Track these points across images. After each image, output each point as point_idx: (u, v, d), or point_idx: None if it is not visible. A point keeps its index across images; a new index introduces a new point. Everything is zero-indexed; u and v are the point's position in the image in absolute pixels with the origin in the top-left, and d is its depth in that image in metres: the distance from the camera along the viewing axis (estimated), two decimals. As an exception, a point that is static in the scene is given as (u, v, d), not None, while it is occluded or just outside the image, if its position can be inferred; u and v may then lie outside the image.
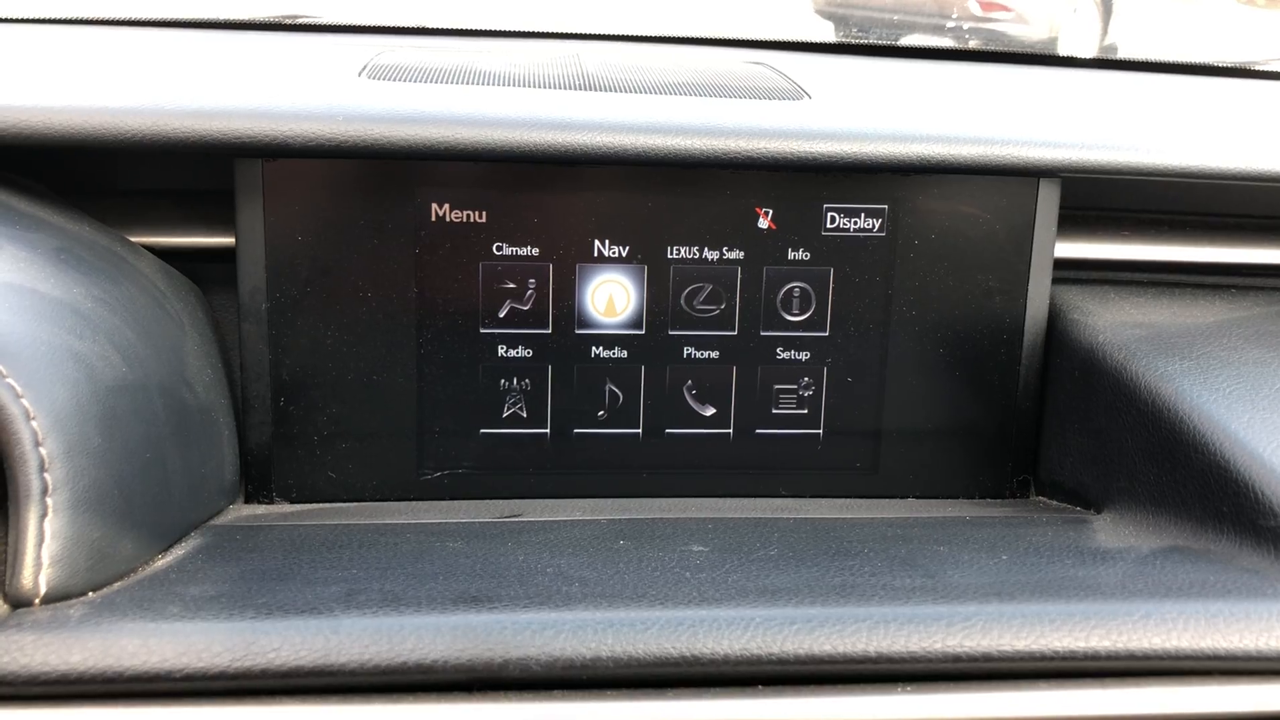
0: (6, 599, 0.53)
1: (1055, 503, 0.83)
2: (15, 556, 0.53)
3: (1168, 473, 0.71)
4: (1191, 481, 0.69)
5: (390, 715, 0.50)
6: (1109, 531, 0.71)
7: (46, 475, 0.54)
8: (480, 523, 0.74)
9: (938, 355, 0.84)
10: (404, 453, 0.82)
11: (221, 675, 0.49)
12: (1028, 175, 0.81)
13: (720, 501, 0.83)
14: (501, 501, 0.82)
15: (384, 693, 0.50)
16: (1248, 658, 0.54)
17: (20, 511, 0.53)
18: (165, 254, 0.80)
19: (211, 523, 0.72)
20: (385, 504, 0.82)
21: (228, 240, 0.79)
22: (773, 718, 0.51)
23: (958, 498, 0.86)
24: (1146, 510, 0.72)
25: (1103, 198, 0.89)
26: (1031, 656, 0.53)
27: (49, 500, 0.53)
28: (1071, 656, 0.53)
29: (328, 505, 0.81)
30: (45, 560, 0.53)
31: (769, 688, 0.51)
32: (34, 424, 0.54)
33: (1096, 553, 0.66)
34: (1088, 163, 0.80)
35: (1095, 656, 0.53)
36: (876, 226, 0.82)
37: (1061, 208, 0.83)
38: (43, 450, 0.54)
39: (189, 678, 0.49)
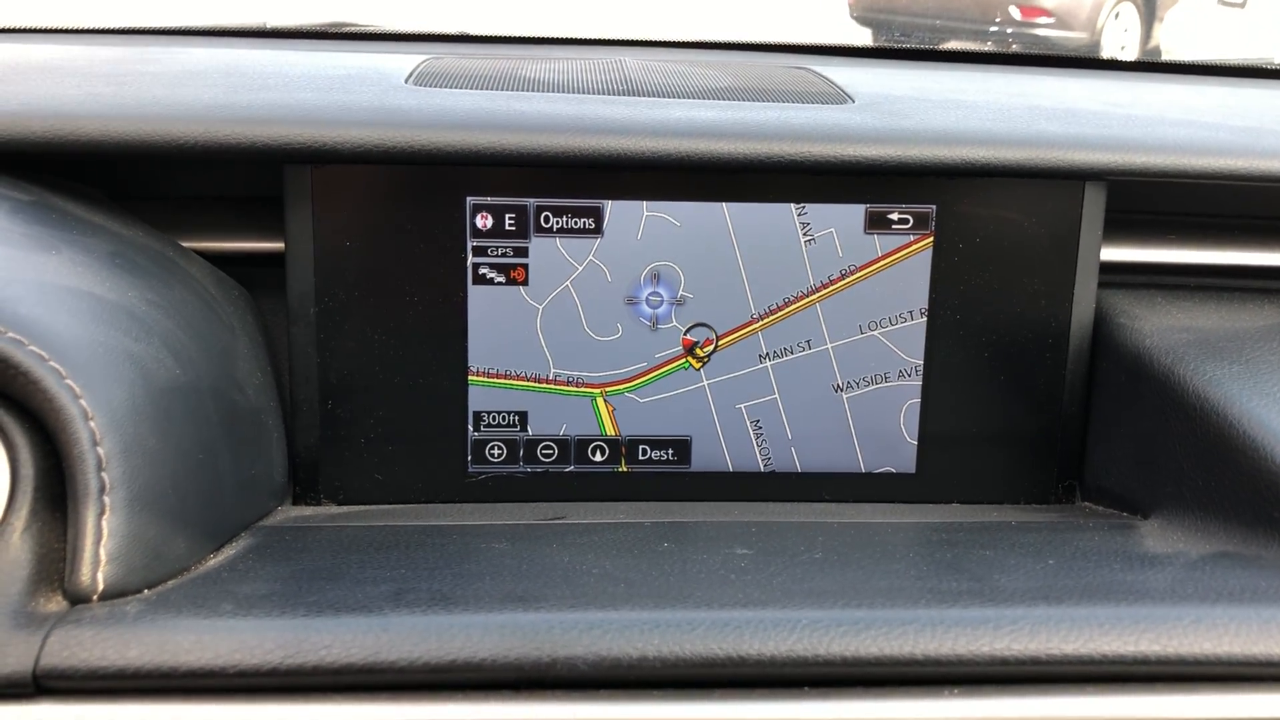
0: (65, 595, 0.54)
1: (1102, 508, 0.83)
2: (74, 553, 0.54)
3: (1216, 477, 0.70)
4: (1241, 486, 0.68)
5: (439, 714, 0.50)
6: (1157, 537, 0.70)
7: (104, 474, 0.55)
8: (525, 524, 0.75)
9: (982, 359, 0.83)
10: (451, 455, 0.83)
11: (274, 672, 0.50)
12: (1073, 178, 0.80)
13: (763, 506, 0.83)
14: (546, 504, 0.83)
15: (433, 690, 0.51)
16: None
17: (79, 509, 0.54)
18: (215, 259, 0.81)
19: (261, 523, 0.73)
20: (431, 505, 0.82)
21: (277, 245, 0.80)
22: None
23: (1002, 503, 0.85)
24: (1195, 516, 0.71)
25: (1149, 201, 0.88)
26: (1080, 660, 0.52)
27: (106, 499, 0.54)
28: (1120, 661, 0.52)
29: (374, 507, 0.82)
30: (103, 557, 0.54)
31: (815, 689, 0.51)
32: (92, 424, 0.55)
33: (1144, 558, 0.65)
34: (1133, 166, 0.79)
35: (1144, 661, 0.52)
36: (920, 230, 0.81)
37: (1107, 211, 0.82)
38: (100, 450, 0.55)
39: (242, 674, 0.50)
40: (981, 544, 0.68)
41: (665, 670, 0.51)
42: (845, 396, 0.84)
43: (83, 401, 0.55)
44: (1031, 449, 0.85)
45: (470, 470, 0.83)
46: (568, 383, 0.83)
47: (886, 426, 0.85)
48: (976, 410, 0.84)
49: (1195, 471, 0.72)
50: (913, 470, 0.85)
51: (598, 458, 0.84)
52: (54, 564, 0.54)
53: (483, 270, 0.81)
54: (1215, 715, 0.53)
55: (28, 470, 0.55)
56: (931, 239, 0.82)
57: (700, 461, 0.85)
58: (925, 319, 0.83)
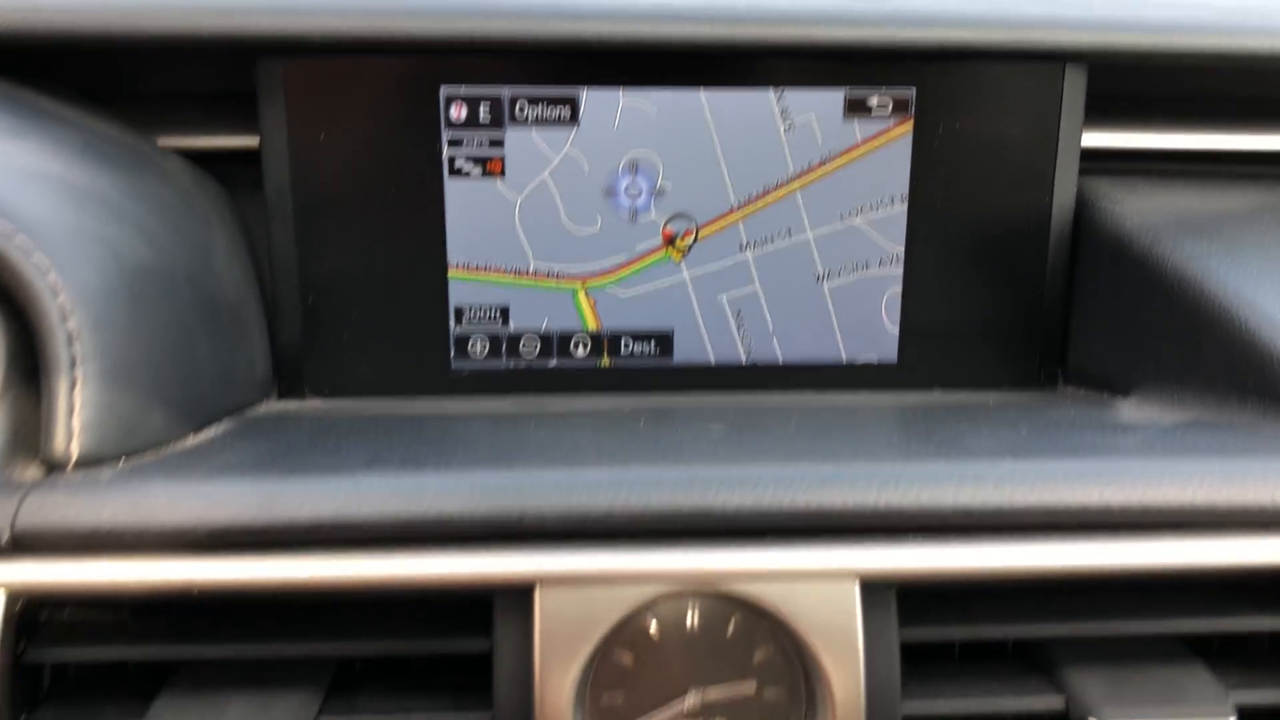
0: (41, 464, 0.55)
1: (1083, 391, 0.83)
2: (48, 424, 0.54)
3: (1193, 350, 0.70)
4: (1217, 358, 0.68)
5: (410, 566, 0.51)
6: (1133, 409, 0.71)
7: (74, 348, 0.55)
8: (507, 411, 0.75)
9: (963, 246, 0.83)
10: (434, 350, 0.83)
11: (246, 530, 0.51)
12: (1053, 60, 0.80)
13: (745, 396, 0.84)
14: (531, 397, 0.83)
15: (404, 544, 0.51)
16: (1263, 511, 0.54)
17: (51, 381, 0.54)
18: (192, 157, 0.81)
19: (243, 413, 0.74)
20: (415, 399, 0.83)
21: (253, 141, 0.80)
22: (784, 567, 0.52)
23: (984, 389, 0.85)
24: (1172, 390, 0.71)
25: (1132, 85, 0.87)
26: (1044, 511, 0.53)
27: (78, 371, 0.55)
28: (1084, 511, 0.53)
29: (358, 400, 0.82)
30: (76, 428, 0.54)
31: (780, 538, 0.52)
32: (61, 299, 0.55)
33: (1117, 425, 0.65)
34: (1114, 46, 0.78)
35: (1108, 511, 0.53)
36: (900, 115, 0.81)
37: (1089, 96, 0.82)
38: (70, 324, 0.55)
39: (213, 533, 0.51)
40: (957, 418, 0.68)
41: (631, 523, 0.51)
42: (826, 286, 0.84)
43: (51, 276, 0.55)
44: (1013, 335, 0.85)
45: (453, 365, 0.84)
46: (548, 275, 0.83)
47: (868, 316, 0.85)
48: (958, 297, 0.84)
49: (1173, 347, 0.72)
50: (895, 359, 0.85)
51: (580, 352, 0.84)
52: (30, 435, 0.55)
53: (459, 163, 0.80)
54: (1179, 562, 0.53)
55: (0, 345, 0.55)
56: (911, 124, 0.81)
57: (682, 354, 0.85)
58: (905, 205, 0.82)
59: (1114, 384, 0.79)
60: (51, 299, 0.55)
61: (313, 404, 0.81)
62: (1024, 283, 0.84)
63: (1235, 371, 0.66)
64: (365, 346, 0.83)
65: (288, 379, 0.82)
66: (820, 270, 0.84)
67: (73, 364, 0.55)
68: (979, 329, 0.85)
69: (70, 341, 0.55)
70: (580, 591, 0.50)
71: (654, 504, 0.51)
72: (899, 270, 0.84)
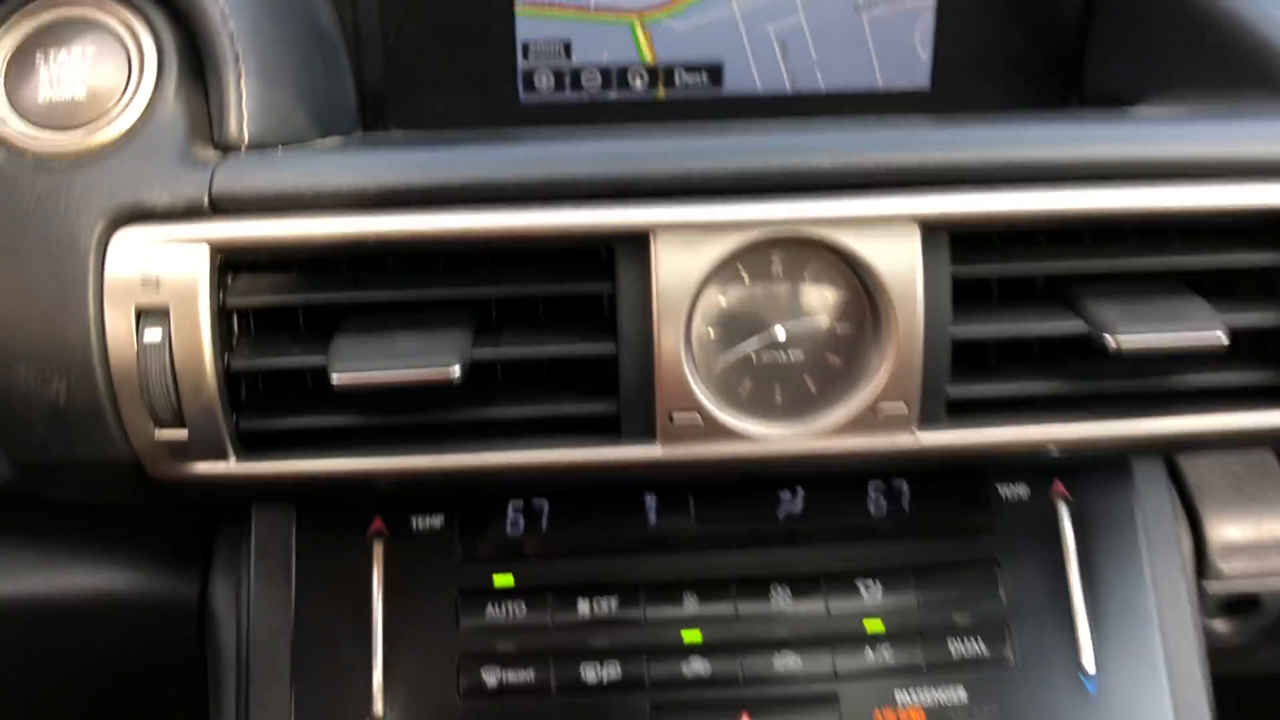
0: (217, 146, 0.63)
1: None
2: (220, 110, 0.63)
3: (1201, 56, 0.78)
4: (1224, 60, 0.76)
5: (547, 218, 0.61)
6: (1146, 109, 0.80)
7: (236, 46, 0.63)
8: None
9: None
10: (503, 84, 0.90)
11: (409, 190, 0.60)
12: None
13: (791, 122, 0.92)
14: (595, 127, 0.91)
15: (543, 200, 0.61)
16: (1258, 161, 0.63)
17: (220, 73, 0.63)
18: None
19: (349, 135, 0.82)
20: (491, 130, 0.91)
21: None
22: (857, 214, 0.61)
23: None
24: (1181, 93, 0.80)
25: None
26: (1074, 164, 0.62)
27: (240, 66, 0.63)
28: (1108, 163, 0.62)
29: (439, 132, 0.90)
30: (245, 114, 0.63)
31: (854, 190, 0.61)
32: (220, 3, 0.63)
33: (1132, 114, 0.74)
34: None
35: (1127, 163, 0.62)
36: None
37: None
38: (230, 25, 0.63)
39: (382, 191, 0.60)
40: (992, 119, 0.77)
41: (730, 180, 0.61)
42: (865, 17, 0.91)
43: None
44: (1033, 62, 0.93)
45: (522, 99, 0.91)
46: (608, 9, 0.90)
47: (902, 45, 0.92)
48: (985, 26, 0.91)
49: (1183, 55, 0.80)
50: (928, 86, 0.93)
51: (637, 84, 0.92)
52: (203, 125, 0.63)
53: (525, -100, 0.86)
54: (1188, 204, 0.63)
55: (170, 46, 0.63)
56: None
57: (732, 84, 0.93)
58: None
59: (1127, 99, 0.87)
60: (214, 3, 0.63)
61: (398, 134, 0.89)
62: (1044, 11, 0.91)
63: (1240, 67, 0.75)
64: (441, 82, 0.90)
65: (372, 113, 0.90)
66: (859, 0, 0.91)
67: (236, 59, 0.63)
68: (1004, 56, 0.92)
69: (232, 40, 0.63)
70: (688, 237, 0.60)
71: (750, 163, 0.61)
72: (931, 1, 0.91)
